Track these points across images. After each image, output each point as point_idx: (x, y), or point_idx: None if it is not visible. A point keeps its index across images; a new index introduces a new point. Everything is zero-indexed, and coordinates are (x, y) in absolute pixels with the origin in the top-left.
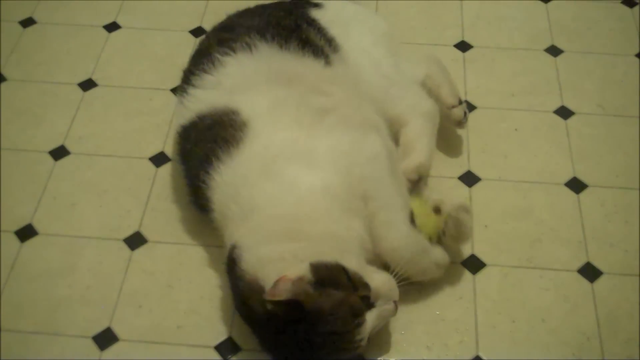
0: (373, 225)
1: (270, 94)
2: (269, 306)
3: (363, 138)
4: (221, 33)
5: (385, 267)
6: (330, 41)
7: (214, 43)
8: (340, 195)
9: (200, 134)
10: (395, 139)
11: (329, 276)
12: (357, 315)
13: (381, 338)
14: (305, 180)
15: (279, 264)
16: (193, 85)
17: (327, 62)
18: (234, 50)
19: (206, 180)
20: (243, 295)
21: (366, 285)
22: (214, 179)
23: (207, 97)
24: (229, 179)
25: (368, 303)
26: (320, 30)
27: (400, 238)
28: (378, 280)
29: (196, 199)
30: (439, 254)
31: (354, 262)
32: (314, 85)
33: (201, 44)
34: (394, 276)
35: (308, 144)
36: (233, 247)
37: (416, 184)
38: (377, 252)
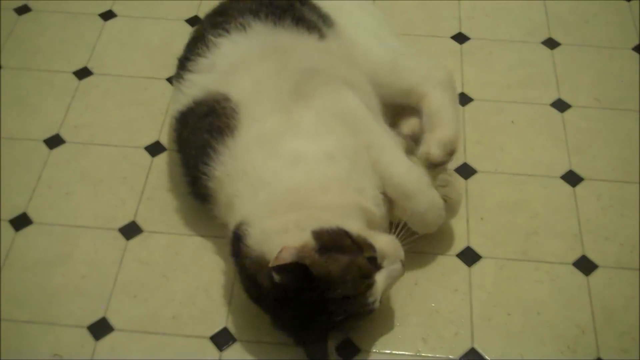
0: (378, 172)
1: (257, 71)
2: (277, 277)
3: (338, 96)
4: (215, 17)
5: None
6: (324, 17)
7: (208, 27)
8: (345, 155)
9: (197, 122)
10: (413, 112)
11: (332, 241)
12: (366, 276)
13: (376, 330)
14: (309, 151)
15: (283, 236)
16: (189, 70)
17: (321, 35)
18: (227, 31)
19: (206, 171)
20: (251, 273)
21: (371, 246)
22: (214, 169)
23: (202, 80)
24: (231, 167)
25: (375, 264)
26: (313, 7)
27: (404, 171)
28: (382, 241)
29: (196, 189)
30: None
31: (356, 226)
32: (303, 53)
33: (196, 30)
34: (399, 233)
35: (296, 116)
36: (239, 224)
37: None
38: (388, 195)
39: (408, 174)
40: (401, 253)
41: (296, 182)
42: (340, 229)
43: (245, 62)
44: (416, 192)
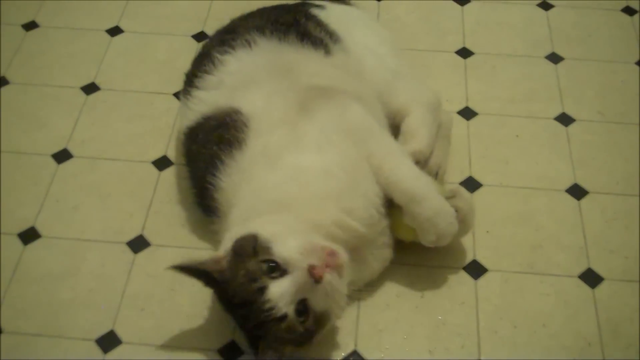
0: (383, 178)
1: (266, 87)
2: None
3: (343, 109)
4: (223, 35)
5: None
6: (330, 34)
7: (215, 44)
8: (344, 172)
9: (206, 136)
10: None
11: (240, 247)
12: (253, 279)
13: (383, 341)
14: (308, 165)
15: (225, 244)
16: (196, 87)
17: (327, 51)
18: (233, 48)
19: (213, 182)
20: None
21: (266, 250)
22: (221, 180)
23: (210, 98)
24: (236, 178)
25: (280, 270)
26: (319, 23)
27: (412, 176)
28: (287, 244)
29: (202, 200)
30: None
31: (275, 229)
32: (310, 69)
33: (203, 47)
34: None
35: (300, 130)
36: (224, 232)
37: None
38: (397, 202)
39: (415, 179)
40: (314, 258)
41: (284, 195)
42: (251, 234)
43: (253, 78)
44: (425, 195)
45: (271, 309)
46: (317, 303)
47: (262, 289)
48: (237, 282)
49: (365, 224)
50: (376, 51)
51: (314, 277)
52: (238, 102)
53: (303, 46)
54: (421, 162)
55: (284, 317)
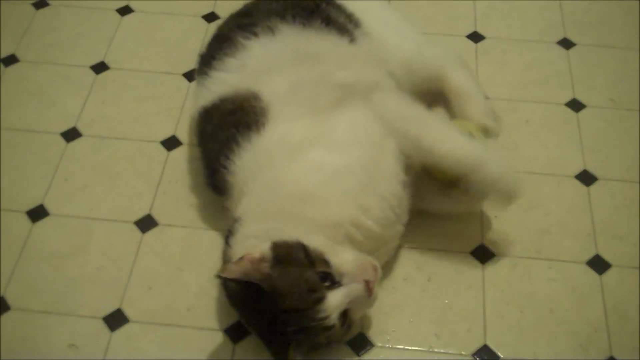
0: (438, 157)
1: (292, 75)
2: (233, 285)
3: (376, 106)
4: (239, 19)
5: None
6: (350, 17)
7: (234, 28)
8: (367, 171)
9: (223, 118)
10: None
11: (286, 254)
12: (313, 290)
13: (389, 325)
14: (331, 162)
15: (252, 242)
16: (215, 69)
17: (352, 38)
18: (256, 35)
19: (226, 165)
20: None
21: (324, 262)
22: (234, 163)
23: (230, 79)
24: (251, 162)
25: (332, 281)
26: (339, 8)
27: (463, 144)
28: (344, 258)
29: (213, 181)
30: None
31: (319, 241)
32: (339, 62)
33: (220, 29)
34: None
35: (327, 126)
36: (234, 220)
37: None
38: (459, 175)
39: (467, 146)
40: (368, 273)
41: (303, 190)
42: (298, 242)
43: (277, 64)
44: (483, 159)
45: (324, 318)
46: (356, 312)
47: (320, 300)
48: (291, 289)
49: (381, 225)
50: (396, 27)
51: (369, 291)
52: (259, 87)
53: (329, 33)
54: (491, 119)
55: (331, 326)
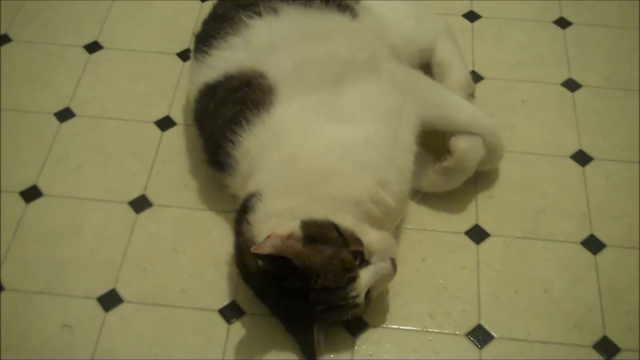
0: (446, 124)
1: (296, 53)
2: (260, 263)
3: (385, 77)
4: None
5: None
6: None
7: (235, 7)
8: (385, 143)
9: (227, 94)
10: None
11: (318, 232)
12: (348, 269)
13: (384, 305)
14: (348, 135)
15: (275, 220)
16: (216, 48)
17: (353, 14)
18: (259, 14)
19: (233, 139)
20: (241, 251)
21: (358, 240)
22: (242, 137)
23: (234, 57)
24: (265, 138)
25: (362, 259)
26: None
27: (476, 110)
28: (373, 237)
29: (215, 157)
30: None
31: (348, 220)
32: (343, 39)
33: (216, 8)
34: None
35: (340, 100)
36: (251, 195)
37: None
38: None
39: (477, 112)
40: (392, 250)
41: (324, 166)
42: (329, 221)
43: (282, 43)
44: (495, 125)
45: (354, 297)
46: (377, 288)
47: (354, 279)
48: (326, 268)
49: (397, 200)
50: (394, 4)
51: (395, 268)
52: (265, 65)
53: (330, 10)
54: (472, 93)
55: (359, 304)
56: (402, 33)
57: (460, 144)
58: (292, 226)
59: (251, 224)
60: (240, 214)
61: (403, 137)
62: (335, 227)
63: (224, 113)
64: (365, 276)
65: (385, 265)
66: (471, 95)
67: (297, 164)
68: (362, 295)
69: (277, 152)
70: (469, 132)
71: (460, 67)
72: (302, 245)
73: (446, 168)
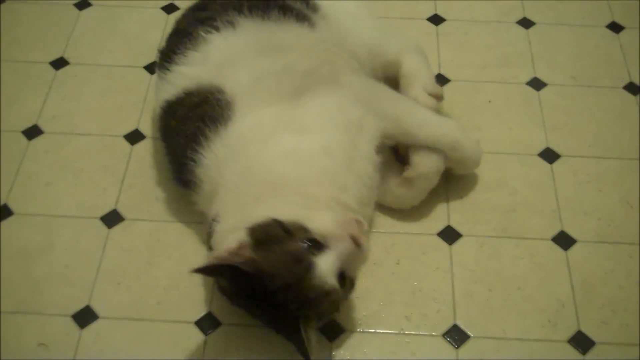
0: (410, 136)
1: (254, 67)
2: (222, 282)
3: (345, 89)
4: (198, 13)
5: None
6: (307, 2)
7: (194, 22)
8: (342, 149)
9: (187, 112)
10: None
11: (264, 234)
12: (299, 260)
13: (360, 309)
14: (305, 145)
15: (230, 237)
16: (176, 63)
17: (311, 24)
18: (217, 29)
19: (194, 158)
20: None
21: (303, 228)
22: (203, 156)
23: (193, 72)
24: (222, 155)
25: (318, 246)
26: None
27: (437, 126)
28: (321, 219)
29: (180, 176)
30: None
31: (291, 211)
32: (301, 51)
33: (178, 23)
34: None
35: (297, 112)
36: (213, 219)
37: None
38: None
39: (444, 126)
40: (351, 228)
41: (278, 175)
42: (271, 219)
43: (240, 57)
44: (459, 139)
45: (321, 285)
46: (352, 270)
47: (310, 267)
48: (277, 266)
49: (358, 202)
50: (357, 13)
51: (358, 244)
52: (222, 80)
53: (287, 21)
54: (440, 97)
55: (332, 291)
56: (364, 45)
57: (419, 157)
58: (239, 236)
59: (213, 248)
60: (207, 241)
61: (362, 146)
62: (277, 222)
63: (185, 131)
64: (326, 262)
65: (344, 245)
66: (440, 98)
67: (251, 177)
68: (329, 281)
69: (234, 167)
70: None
71: (427, 74)
72: (253, 252)
73: (407, 178)
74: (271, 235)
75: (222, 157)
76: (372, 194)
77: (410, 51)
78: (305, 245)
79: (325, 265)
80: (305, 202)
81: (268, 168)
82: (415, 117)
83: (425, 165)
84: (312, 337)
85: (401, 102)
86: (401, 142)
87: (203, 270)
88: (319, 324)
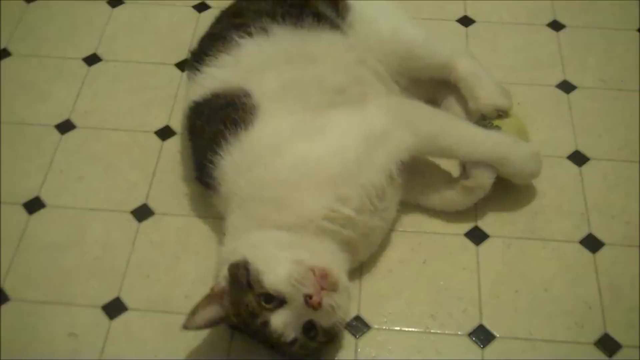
0: (444, 155)
1: (283, 75)
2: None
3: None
4: (232, 19)
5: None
6: (338, 9)
7: (228, 27)
8: (354, 155)
9: (213, 113)
10: (441, 81)
11: (235, 277)
12: (254, 315)
13: (386, 307)
14: (316, 149)
15: (223, 268)
16: (207, 65)
17: (343, 31)
18: (250, 35)
19: (214, 160)
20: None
21: (259, 283)
22: (222, 158)
23: (222, 75)
24: (238, 159)
25: (273, 299)
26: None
27: (481, 141)
28: (277, 274)
29: (202, 176)
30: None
31: (260, 255)
32: (332, 63)
33: (212, 27)
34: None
35: (316, 122)
36: (223, 233)
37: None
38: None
39: (487, 143)
40: (307, 287)
41: (282, 187)
42: (243, 260)
43: (270, 63)
44: (505, 155)
45: (280, 336)
46: (323, 321)
47: (265, 323)
48: (241, 317)
49: (358, 211)
50: (400, 14)
51: (312, 306)
52: (251, 84)
53: (321, 30)
54: (509, 95)
55: (294, 341)
56: (408, 47)
57: (479, 170)
58: (223, 276)
59: (217, 275)
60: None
61: (378, 157)
62: (245, 267)
63: (208, 132)
64: (279, 319)
65: (296, 304)
66: (509, 97)
67: (262, 192)
68: (288, 334)
69: (248, 176)
70: None
71: (486, 78)
72: (229, 291)
73: (466, 187)
74: (237, 281)
75: (238, 162)
76: (380, 204)
77: (463, 54)
78: (262, 300)
79: (279, 322)
80: (289, 237)
81: (276, 180)
82: (453, 134)
83: (485, 177)
84: None
85: (437, 118)
86: (440, 157)
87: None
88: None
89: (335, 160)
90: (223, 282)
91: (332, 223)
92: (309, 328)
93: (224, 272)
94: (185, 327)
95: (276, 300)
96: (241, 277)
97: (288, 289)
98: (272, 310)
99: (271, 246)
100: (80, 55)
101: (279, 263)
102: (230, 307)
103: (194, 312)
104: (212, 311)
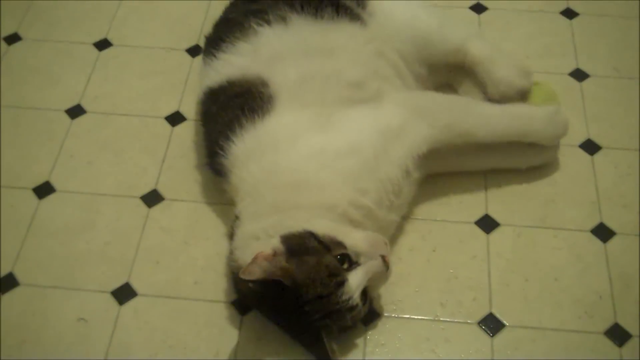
0: (471, 138)
1: (302, 66)
2: (251, 285)
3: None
4: (248, 4)
5: None
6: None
7: (245, 13)
8: (371, 150)
9: (229, 100)
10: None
11: (299, 244)
12: (334, 274)
13: (396, 295)
14: (333, 145)
15: (254, 243)
16: (223, 51)
17: (363, 22)
18: (268, 23)
19: (225, 147)
20: (234, 279)
21: (339, 244)
22: (234, 144)
23: (240, 62)
24: (251, 146)
25: (350, 262)
26: None
27: (499, 119)
28: (356, 238)
29: (212, 163)
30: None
31: (325, 226)
32: (350, 57)
33: (227, 12)
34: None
35: (334, 116)
36: (235, 218)
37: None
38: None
39: (504, 120)
40: (381, 248)
41: (300, 178)
42: (306, 231)
43: (290, 54)
44: (525, 127)
45: (348, 300)
46: (374, 288)
47: (342, 283)
48: (311, 277)
49: (378, 206)
50: (410, 3)
51: (387, 265)
52: (269, 73)
53: (340, 20)
54: (530, 73)
55: (355, 306)
56: (422, 34)
57: None
58: (273, 243)
59: (234, 251)
60: (229, 240)
61: (395, 152)
62: (313, 235)
63: (223, 117)
64: (355, 278)
65: (375, 263)
66: (530, 74)
67: (275, 177)
68: (356, 297)
69: (260, 162)
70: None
71: (503, 59)
72: (286, 260)
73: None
74: (306, 247)
75: (251, 148)
76: (397, 200)
77: (475, 38)
78: (339, 259)
79: (355, 282)
80: (333, 216)
81: (291, 170)
82: (469, 118)
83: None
84: (334, 348)
85: (452, 105)
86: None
87: (254, 281)
88: (338, 338)
89: (353, 155)
90: (269, 250)
91: (357, 210)
92: (363, 296)
93: (253, 249)
94: (241, 277)
95: (350, 263)
96: (310, 243)
97: (368, 248)
98: (347, 270)
99: (327, 221)
100: (91, 40)
101: (351, 231)
102: (297, 270)
103: (251, 264)
104: (267, 266)
